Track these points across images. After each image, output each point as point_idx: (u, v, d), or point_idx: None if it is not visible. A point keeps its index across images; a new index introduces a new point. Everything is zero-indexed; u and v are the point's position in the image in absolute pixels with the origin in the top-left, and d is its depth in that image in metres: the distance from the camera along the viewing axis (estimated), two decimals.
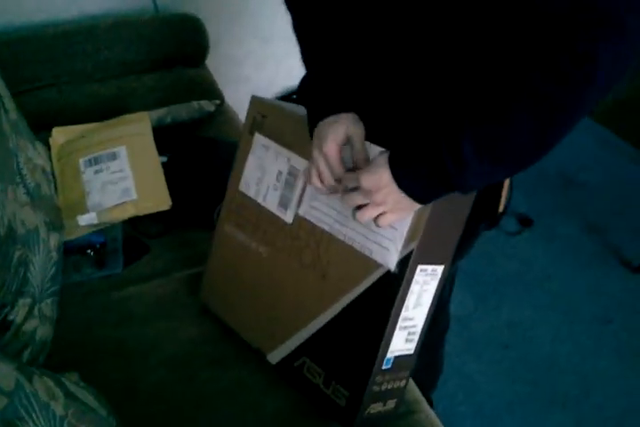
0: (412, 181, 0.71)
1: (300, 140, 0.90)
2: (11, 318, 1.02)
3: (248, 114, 1.02)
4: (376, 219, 0.76)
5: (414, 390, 1.07)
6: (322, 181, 0.83)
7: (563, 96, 0.63)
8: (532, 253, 2.16)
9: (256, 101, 1.01)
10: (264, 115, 0.99)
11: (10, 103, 1.27)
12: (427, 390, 1.54)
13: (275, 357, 1.00)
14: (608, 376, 1.77)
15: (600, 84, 0.62)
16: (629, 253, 2.15)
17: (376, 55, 0.83)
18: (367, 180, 0.73)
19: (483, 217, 1.01)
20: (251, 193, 1.01)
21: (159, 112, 1.63)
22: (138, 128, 1.50)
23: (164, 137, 1.51)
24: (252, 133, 1.01)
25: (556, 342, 1.87)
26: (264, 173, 0.99)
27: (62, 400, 0.86)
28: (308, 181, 0.87)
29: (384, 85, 0.85)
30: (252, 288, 1.02)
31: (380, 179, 0.72)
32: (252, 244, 1.02)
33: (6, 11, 1.58)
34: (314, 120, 0.84)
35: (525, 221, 2.23)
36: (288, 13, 0.93)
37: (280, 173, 0.97)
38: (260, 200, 1.00)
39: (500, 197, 0.98)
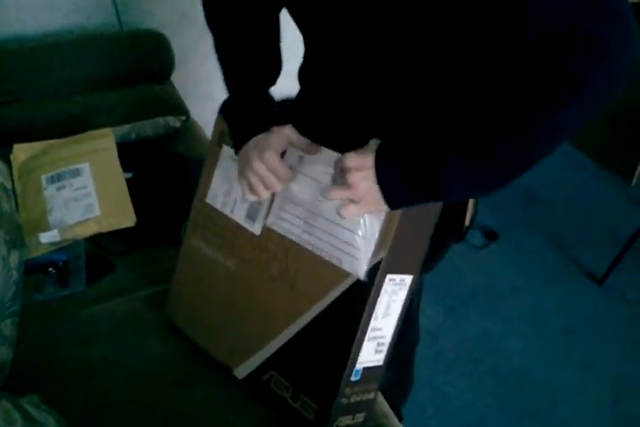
0: (390, 174, 0.71)
1: None
2: None
3: (215, 126, 1.01)
4: (341, 208, 0.77)
5: (383, 404, 1.05)
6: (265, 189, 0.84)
7: (551, 118, 0.64)
8: (498, 266, 2.18)
9: None
10: None
11: None
12: (397, 405, 1.53)
13: (242, 371, 0.98)
14: (575, 388, 1.79)
15: (590, 106, 0.64)
16: (593, 266, 2.18)
17: (355, 65, 0.82)
18: (353, 159, 0.73)
19: (452, 230, 1.01)
20: (218, 205, 1.00)
21: (123, 128, 1.61)
22: (102, 144, 1.49)
23: (128, 153, 1.49)
24: (219, 146, 1.00)
25: (525, 354, 1.88)
26: (232, 185, 0.98)
27: (20, 424, 0.83)
28: (251, 195, 0.86)
29: (368, 93, 0.85)
30: (219, 302, 1.00)
31: (363, 161, 0.72)
32: (219, 257, 1.00)
33: None
34: (242, 140, 0.87)
35: (491, 235, 2.26)
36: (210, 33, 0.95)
37: None
38: (227, 212, 0.98)
39: (465, 210, 0.99)
